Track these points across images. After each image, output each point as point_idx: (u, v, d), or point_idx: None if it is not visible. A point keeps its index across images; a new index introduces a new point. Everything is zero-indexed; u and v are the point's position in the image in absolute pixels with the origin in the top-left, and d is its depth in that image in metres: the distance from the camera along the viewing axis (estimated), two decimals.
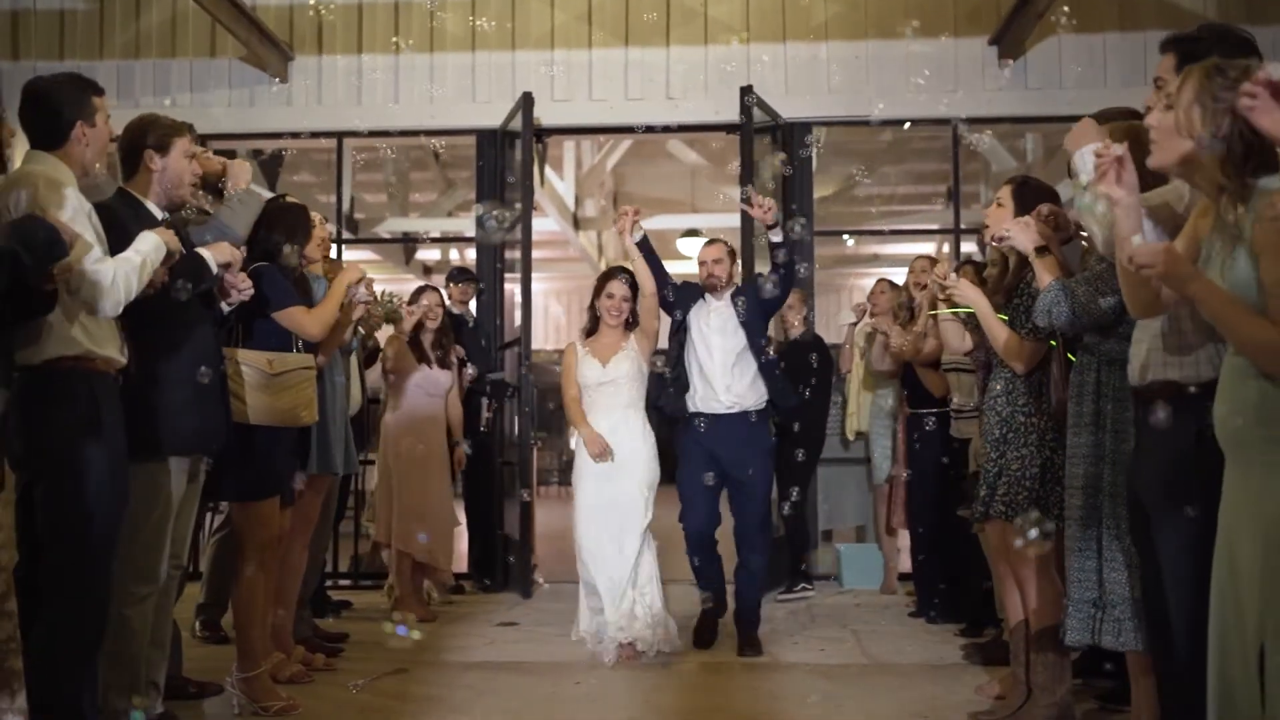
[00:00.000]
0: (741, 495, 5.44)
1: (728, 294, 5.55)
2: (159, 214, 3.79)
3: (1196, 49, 2.81)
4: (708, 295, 5.57)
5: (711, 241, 5.72)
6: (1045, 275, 3.63)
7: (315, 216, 4.91)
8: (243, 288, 3.94)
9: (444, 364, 6.37)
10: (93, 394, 3.33)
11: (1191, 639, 2.55)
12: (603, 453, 5.22)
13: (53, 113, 3.41)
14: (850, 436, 7.45)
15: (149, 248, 3.44)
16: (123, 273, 3.31)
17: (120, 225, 3.56)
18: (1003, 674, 4.49)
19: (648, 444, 5.32)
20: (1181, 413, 2.70)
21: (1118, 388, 3.37)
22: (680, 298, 5.60)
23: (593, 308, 5.47)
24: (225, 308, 3.98)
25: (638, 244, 5.36)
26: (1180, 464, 2.69)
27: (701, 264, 5.60)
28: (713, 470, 5.41)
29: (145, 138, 3.79)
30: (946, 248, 10.73)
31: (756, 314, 5.47)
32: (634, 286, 5.39)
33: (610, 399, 5.31)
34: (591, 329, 5.50)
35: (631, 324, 5.43)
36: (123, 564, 3.67)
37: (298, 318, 4.40)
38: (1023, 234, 3.72)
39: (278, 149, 9.24)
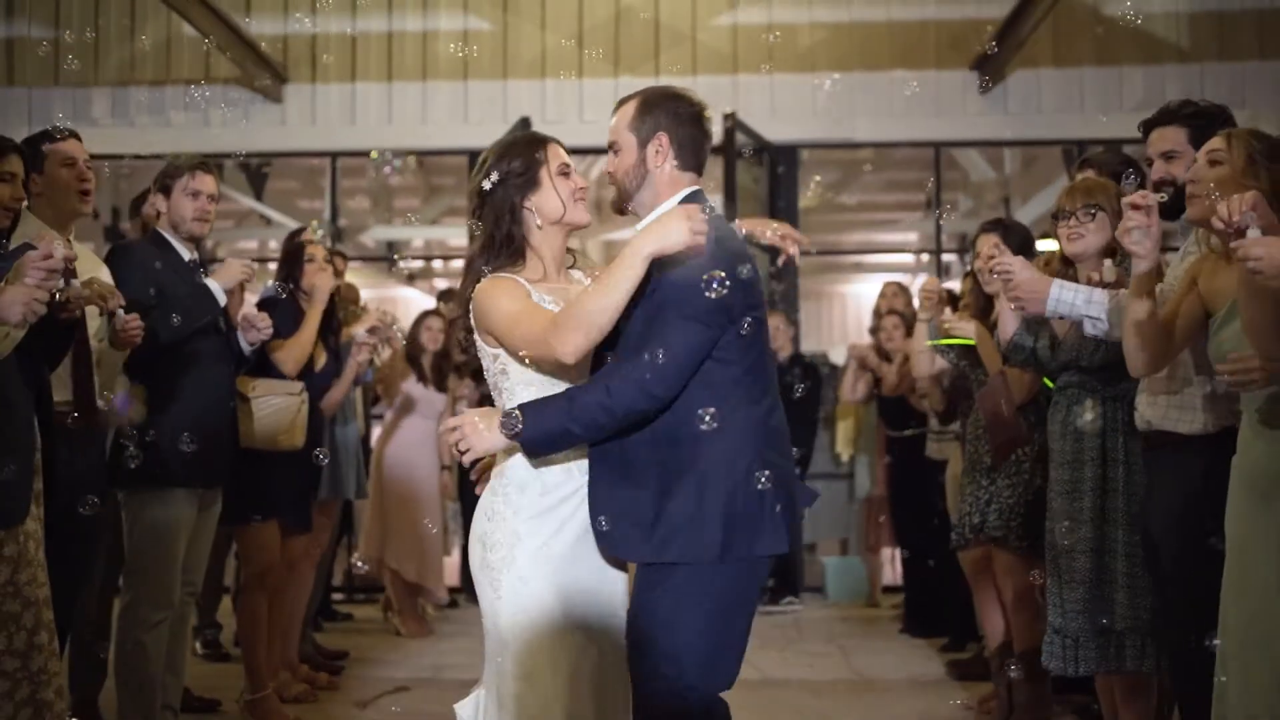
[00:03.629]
0: None
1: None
2: (186, 253, 3.97)
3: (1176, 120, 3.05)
4: None
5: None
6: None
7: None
8: (261, 327, 4.06)
9: (441, 387, 6.46)
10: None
11: (1201, 661, 2.79)
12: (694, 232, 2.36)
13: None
14: (844, 458, 7.62)
15: None
16: None
17: (140, 263, 3.76)
18: (984, 690, 4.67)
19: None
20: (1189, 456, 3.03)
21: (1126, 423, 3.41)
22: None
23: (511, 211, 2.61)
24: (247, 347, 4.10)
25: None
26: (1191, 501, 2.99)
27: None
28: None
29: (156, 182, 4.03)
30: (926, 256, 10.98)
31: None
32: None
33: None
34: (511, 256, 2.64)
35: None
36: (136, 591, 3.83)
37: (275, 352, 4.44)
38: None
39: (264, 160, 9.32)
